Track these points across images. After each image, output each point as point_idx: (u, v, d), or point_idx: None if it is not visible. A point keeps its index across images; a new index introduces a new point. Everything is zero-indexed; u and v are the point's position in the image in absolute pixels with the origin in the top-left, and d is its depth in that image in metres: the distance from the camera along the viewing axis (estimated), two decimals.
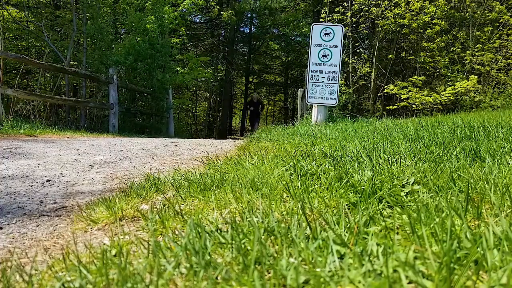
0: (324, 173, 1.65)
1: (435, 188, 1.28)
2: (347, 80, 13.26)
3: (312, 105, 6.99)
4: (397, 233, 0.96)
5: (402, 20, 11.57)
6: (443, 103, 10.53)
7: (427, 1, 11.23)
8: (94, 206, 1.69)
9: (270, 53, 27.64)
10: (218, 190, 1.64)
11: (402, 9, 11.47)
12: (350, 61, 13.26)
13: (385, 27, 12.04)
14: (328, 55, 6.62)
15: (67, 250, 1.12)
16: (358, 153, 2.04)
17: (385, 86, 12.13)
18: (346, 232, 0.95)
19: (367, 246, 0.81)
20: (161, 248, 0.93)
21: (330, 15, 12.97)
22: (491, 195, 1.13)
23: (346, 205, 1.24)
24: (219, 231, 1.01)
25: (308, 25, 18.14)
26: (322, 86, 6.63)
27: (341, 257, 0.80)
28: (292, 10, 21.15)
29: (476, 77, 10.08)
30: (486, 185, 1.26)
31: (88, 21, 11.13)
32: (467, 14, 11.09)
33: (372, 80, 13.13)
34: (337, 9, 12.92)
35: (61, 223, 1.61)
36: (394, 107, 11.72)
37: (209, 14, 18.29)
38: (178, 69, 13.34)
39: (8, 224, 1.60)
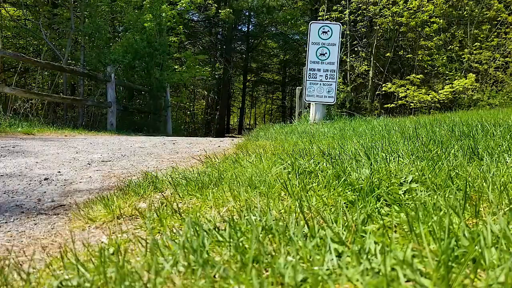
0: (322, 172, 1.64)
1: (433, 187, 1.28)
2: (345, 79, 13.26)
3: (310, 103, 6.98)
4: (395, 232, 0.96)
5: (400, 19, 11.56)
6: (441, 101, 10.54)
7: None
8: (92, 204, 1.68)
9: (268, 51, 27.60)
10: (216, 188, 1.64)
11: (400, 7, 11.47)
12: (348, 60, 13.26)
13: (383, 26, 12.04)
14: (326, 53, 6.61)
15: (65, 249, 1.12)
16: (356, 151, 2.04)
17: (383, 85, 12.14)
18: (344, 230, 0.95)
19: (365, 245, 0.82)
20: (159, 247, 0.93)
21: (328, 13, 12.97)
22: (489, 193, 1.14)
23: (344, 203, 1.24)
24: (217, 229, 1.01)
25: (306, 23, 18.14)
26: (320, 84, 6.63)
27: (339, 255, 0.80)
28: (290, 8, 21.14)
29: (474, 75, 10.09)
30: (484, 183, 1.26)
31: (86, 19, 11.10)
32: (465, 12, 11.09)
33: (370, 79, 13.14)
34: (335, 7, 12.91)
35: (59, 221, 1.61)
36: (392, 105, 11.72)
37: (207, 13, 18.26)
38: (176, 67, 13.31)
39: (6, 222, 1.60)
